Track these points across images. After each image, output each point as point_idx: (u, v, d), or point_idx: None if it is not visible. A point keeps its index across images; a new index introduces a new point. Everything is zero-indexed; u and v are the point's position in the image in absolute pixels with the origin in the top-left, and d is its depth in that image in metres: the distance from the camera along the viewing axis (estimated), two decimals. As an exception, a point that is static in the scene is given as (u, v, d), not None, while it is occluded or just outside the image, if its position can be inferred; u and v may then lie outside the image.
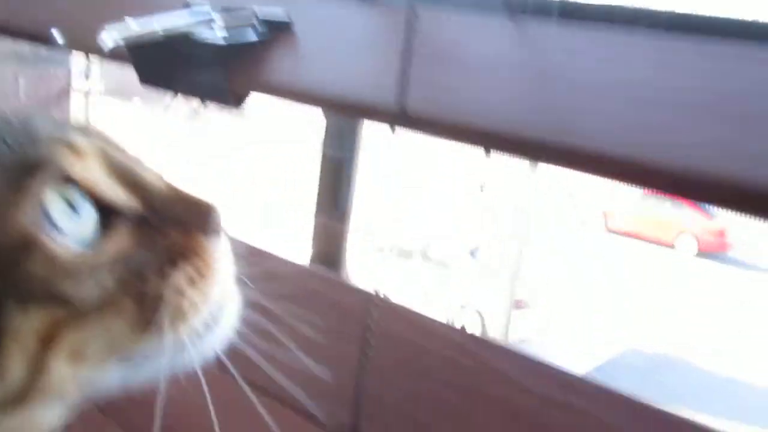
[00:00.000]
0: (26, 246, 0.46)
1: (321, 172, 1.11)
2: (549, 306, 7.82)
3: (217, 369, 0.55)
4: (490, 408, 0.72)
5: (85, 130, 0.55)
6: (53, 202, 0.48)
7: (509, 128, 0.62)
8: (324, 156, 1.11)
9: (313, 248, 1.05)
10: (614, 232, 11.69)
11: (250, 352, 0.59)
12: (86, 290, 0.48)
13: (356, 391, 0.72)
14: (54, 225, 0.47)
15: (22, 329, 0.47)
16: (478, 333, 6.15)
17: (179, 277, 0.52)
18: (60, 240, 0.47)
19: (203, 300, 0.53)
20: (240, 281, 0.59)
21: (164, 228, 0.53)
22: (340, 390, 0.74)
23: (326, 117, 1.13)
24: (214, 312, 0.55)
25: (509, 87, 0.62)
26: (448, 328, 0.74)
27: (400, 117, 0.66)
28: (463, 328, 0.79)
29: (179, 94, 0.79)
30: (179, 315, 0.52)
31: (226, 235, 0.58)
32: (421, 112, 0.66)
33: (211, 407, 0.54)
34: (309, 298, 0.78)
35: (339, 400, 0.75)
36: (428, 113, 0.65)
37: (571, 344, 7.15)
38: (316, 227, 1.05)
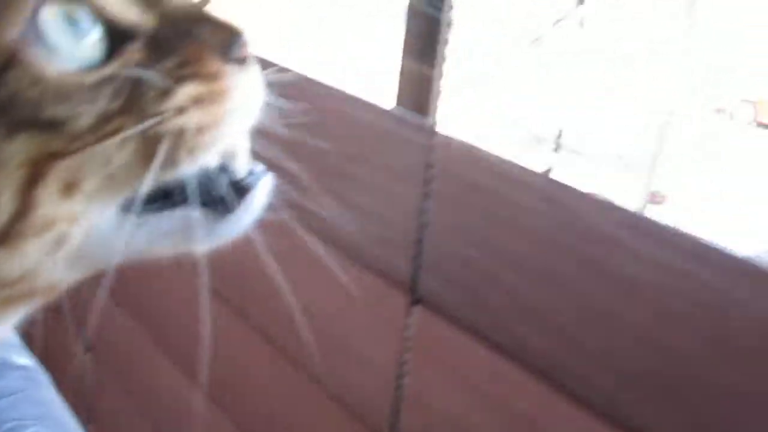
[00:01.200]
0: (11, 63, 0.42)
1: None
2: (688, 201, 7.38)
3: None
4: (566, 260, 0.64)
5: None
6: (49, 17, 0.43)
7: None
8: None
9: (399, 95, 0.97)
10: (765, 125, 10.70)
11: (299, 198, 0.55)
12: (83, 116, 0.43)
13: (417, 237, 0.65)
14: (47, 42, 0.43)
15: (8, 158, 0.42)
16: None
17: (183, 94, 0.46)
18: (54, 58, 0.43)
19: (212, 126, 0.47)
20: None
21: (179, 46, 0.47)
22: (400, 236, 0.69)
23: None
24: (230, 148, 0.49)
25: None
26: (525, 171, 0.65)
27: None
28: (546, 173, 0.69)
29: None
30: (181, 141, 0.46)
31: (258, 71, 0.51)
32: None
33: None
34: (371, 136, 0.71)
35: (399, 247, 0.69)
36: None
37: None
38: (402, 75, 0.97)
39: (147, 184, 0.45)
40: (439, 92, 0.90)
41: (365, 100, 0.72)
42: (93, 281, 0.50)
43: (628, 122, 7.39)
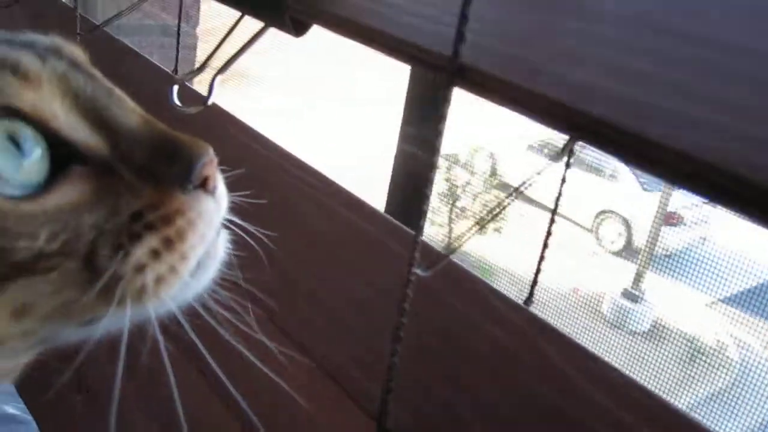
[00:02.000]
0: None
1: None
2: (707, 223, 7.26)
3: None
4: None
5: (57, 52, 0.46)
6: None
7: None
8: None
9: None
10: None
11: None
12: (21, 251, 0.41)
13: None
14: None
15: None
16: (622, 244, 5.89)
17: (141, 254, 0.44)
18: None
19: (171, 274, 0.45)
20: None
21: (131, 177, 0.44)
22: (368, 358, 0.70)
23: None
24: (185, 282, 0.47)
25: None
26: (501, 300, 0.64)
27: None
28: (525, 304, 0.67)
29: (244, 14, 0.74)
30: (141, 294, 0.44)
31: (221, 190, 0.48)
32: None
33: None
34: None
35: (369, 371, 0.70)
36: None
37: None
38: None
39: (109, 324, 0.44)
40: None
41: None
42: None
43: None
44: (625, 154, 0.44)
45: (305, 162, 0.84)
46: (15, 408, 0.87)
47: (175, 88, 0.74)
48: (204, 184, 0.46)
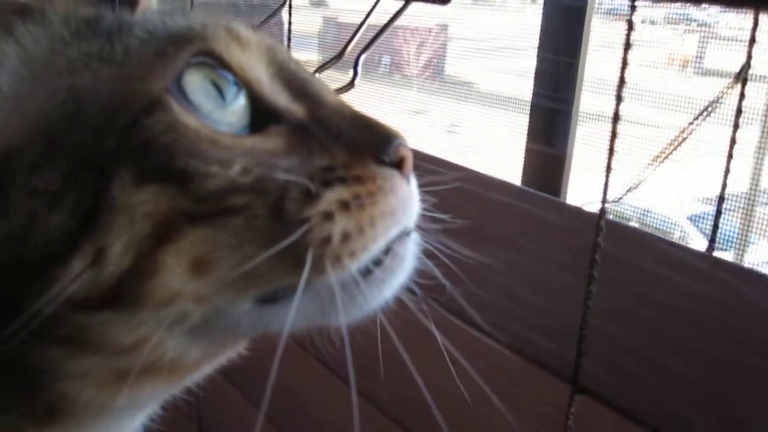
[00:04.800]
0: (152, 108, 0.41)
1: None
2: None
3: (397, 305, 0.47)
4: (735, 344, 0.59)
5: (259, 33, 0.49)
6: (197, 79, 0.43)
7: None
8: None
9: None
10: None
11: (451, 288, 0.52)
12: (214, 178, 0.41)
13: (580, 325, 0.63)
14: (190, 100, 0.43)
15: (133, 205, 0.40)
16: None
17: (331, 200, 0.43)
18: (194, 113, 0.42)
19: (358, 234, 0.44)
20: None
21: (327, 140, 0.45)
22: (561, 325, 0.66)
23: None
24: (375, 253, 0.45)
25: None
26: (690, 252, 0.62)
27: None
28: (710, 251, 0.64)
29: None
30: (327, 248, 0.42)
31: (413, 176, 0.48)
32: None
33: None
34: (524, 222, 0.69)
35: (559, 335, 0.67)
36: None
37: None
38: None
39: (297, 296, 0.41)
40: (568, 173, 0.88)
41: (524, 188, 0.71)
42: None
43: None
44: None
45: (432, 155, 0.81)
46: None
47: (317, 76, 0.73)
48: (400, 166, 0.47)
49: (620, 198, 0.60)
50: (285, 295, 0.43)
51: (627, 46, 0.55)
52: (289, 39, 0.92)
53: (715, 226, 0.63)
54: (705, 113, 0.51)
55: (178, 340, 0.44)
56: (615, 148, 0.57)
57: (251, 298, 0.43)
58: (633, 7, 0.55)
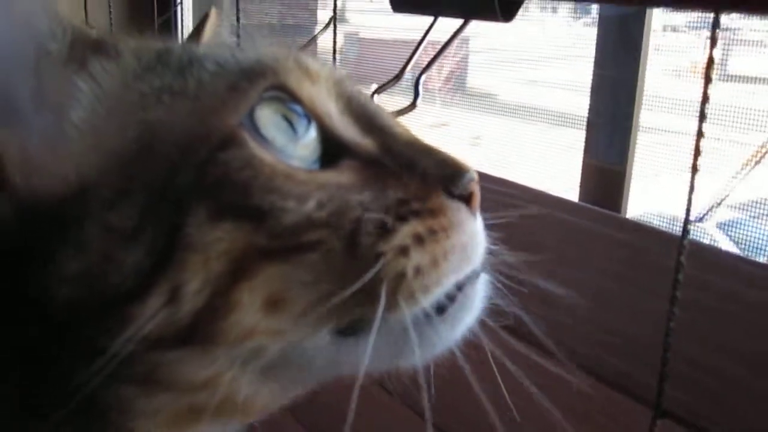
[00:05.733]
0: (228, 144, 0.42)
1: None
2: None
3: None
4: None
5: (327, 65, 0.50)
6: (269, 113, 0.44)
7: None
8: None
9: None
10: None
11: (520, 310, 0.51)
12: (290, 213, 0.41)
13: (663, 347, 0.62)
14: (263, 135, 0.43)
15: (209, 242, 0.40)
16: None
17: (407, 234, 0.43)
18: (268, 148, 0.43)
19: (432, 268, 0.44)
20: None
21: (400, 176, 0.45)
22: (639, 346, 0.65)
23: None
24: (448, 288, 0.45)
25: None
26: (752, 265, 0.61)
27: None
28: None
29: (439, 16, 0.72)
30: (401, 283, 0.43)
31: (479, 211, 0.48)
32: None
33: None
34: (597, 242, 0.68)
35: (640, 357, 0.66)
36: None
37: None
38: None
39: (373, 331, 0.41)
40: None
41: (593, 208, 0.70)
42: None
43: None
44: None
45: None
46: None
47: (375, 97, 0.73)
48: (469, 201, 0.47)
49: (704, 216, 0.59)
50: (358, 330, 0.43)
51: (710, 61, 0.54)
52: (334, 59, 0.92)
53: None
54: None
55: (251, 377, 0.43)
56: (698, 166, 0.56)
57: (325, 332, 0.43)
58: (716, 21, 0.54)
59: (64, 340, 0.41)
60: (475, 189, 0.47)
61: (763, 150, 0.57)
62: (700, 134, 0.54)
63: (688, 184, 0.56)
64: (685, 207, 0.57)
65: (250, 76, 0.44)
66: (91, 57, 0.45)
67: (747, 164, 0.58)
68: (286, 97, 0.45)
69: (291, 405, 0.51)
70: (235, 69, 0.45)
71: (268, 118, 0.44)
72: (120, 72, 0.45)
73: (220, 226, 0.40)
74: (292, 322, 0.42)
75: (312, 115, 0.45)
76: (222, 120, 0.42)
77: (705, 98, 0.54)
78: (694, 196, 0.56)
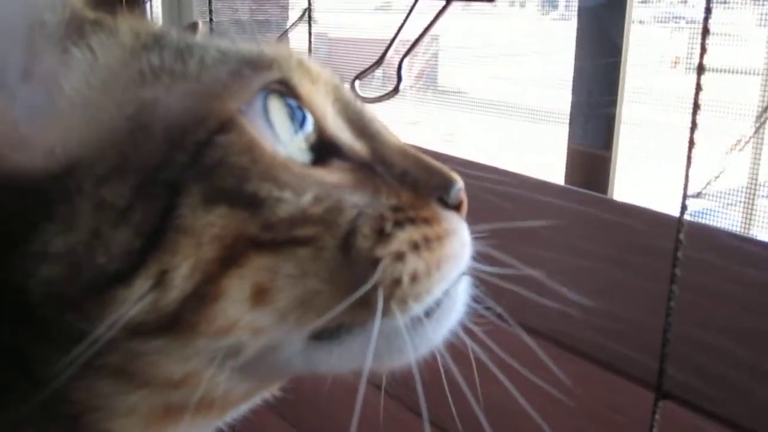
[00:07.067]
0: (226, 127, 0.41)
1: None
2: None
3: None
4: None
5: (325, 68, 0.51)
6: (277, 105, 0.44)
7: None
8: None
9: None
10: None
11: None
12: (285, 204, 0.41)
13: (663, 327, 0.61)
14: (268, 123, 0.43)
15: (202, 226, 0.39)
16: None
17: (404, 240, 0.43)
18: (267, 135, 0.43)
19: (426, 276, 0.44)
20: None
21: (392, 180, 0.46)
22: (639, 329, 0.64)
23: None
24: (438, 295, 0.46)
25: None
26: (754, 244, 0.61)
27: None
28: None
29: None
30: (396, 289, 0.43)
31: (465, 219, 0.49)
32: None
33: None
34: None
35: (641, 341, 0.65)
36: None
37: None
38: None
39: (373, 338, 0.41)
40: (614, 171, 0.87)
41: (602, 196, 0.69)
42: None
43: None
44: None
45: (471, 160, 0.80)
46: None
47: (357, 83, 0.72)
48: (459, 209, 0.48)
49: (699, 193, 0.58)
50: (338, 335, 0.43)
51: (702, 50, 0.54)
52: (309, 51, 0.90)
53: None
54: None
55: (227, 375, 0.43)
56: (694, 140, 0.56)
57: (306, 335, 0.43)
58: (708, 11, 0.54)
59: (38, 327, 0.40)
60: (464, 198, 0.48)
61: (747, 137, 0.57)
62: (696, 107, 0.54)
63: (685, 157, 0.56)
64: (684, 188, 0.57)
65: (255, 65, 0.44)
66: (89, 30, 0.45)
67: (731, 150, 0.59)
68: (285, 91, 0.45)
69: (275, 402, 0.51)
70: (238, 57, 0.45)
71: (275, 110, 0.44)
72: (118, 47, 0.45)
73: (214, 211, 0.39)
74: (275, 320, 0.41)
75: (309, 113, 0.46)
76: (223, 104, 0.42)
77: (698, 89, 0.54)
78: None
